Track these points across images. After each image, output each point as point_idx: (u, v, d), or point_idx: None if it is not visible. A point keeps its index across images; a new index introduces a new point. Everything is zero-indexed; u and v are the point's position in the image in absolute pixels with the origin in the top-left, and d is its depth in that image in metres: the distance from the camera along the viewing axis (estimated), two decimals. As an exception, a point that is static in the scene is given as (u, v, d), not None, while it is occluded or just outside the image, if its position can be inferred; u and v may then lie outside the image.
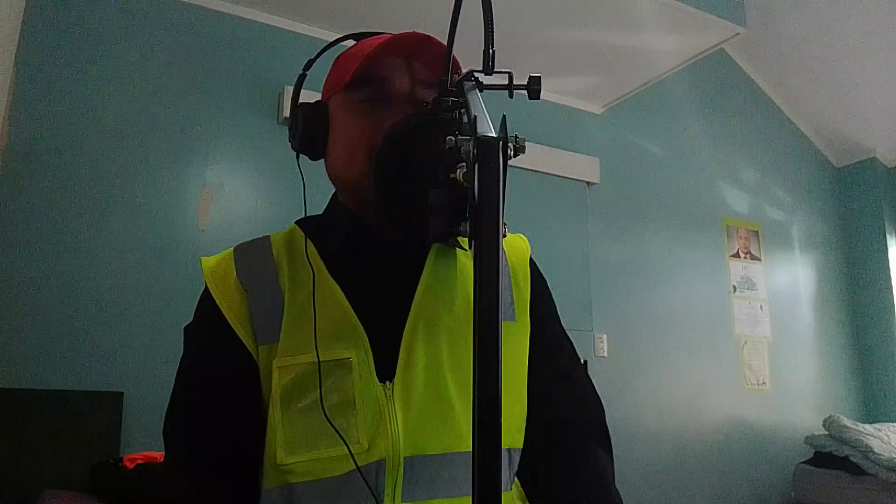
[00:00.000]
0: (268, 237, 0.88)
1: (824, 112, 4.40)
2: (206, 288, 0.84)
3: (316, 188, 0.94)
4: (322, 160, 0.88)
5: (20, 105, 2.32)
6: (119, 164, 2.45)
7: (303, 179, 0.89)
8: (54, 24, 2.44)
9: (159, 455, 2.08)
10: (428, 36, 0.80)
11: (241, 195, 2.67)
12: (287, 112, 2.71)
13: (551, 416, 0.86)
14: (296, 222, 0.90)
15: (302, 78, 0.90)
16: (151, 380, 2.33)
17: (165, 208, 2.51)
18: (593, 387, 0.92)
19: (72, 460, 2.11)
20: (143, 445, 2.18)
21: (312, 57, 0.90)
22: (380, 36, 0.85)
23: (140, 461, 2.02)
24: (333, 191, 0.90)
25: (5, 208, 2.25)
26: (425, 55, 0.80)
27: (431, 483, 0.75)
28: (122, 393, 2.28)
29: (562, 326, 0.94)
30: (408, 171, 0.76)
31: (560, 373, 0.89)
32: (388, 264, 0.83)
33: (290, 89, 2.73)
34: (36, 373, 2.19)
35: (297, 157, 0.88)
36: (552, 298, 0.95)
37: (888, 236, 4.40)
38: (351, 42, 0.90)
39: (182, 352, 0.85)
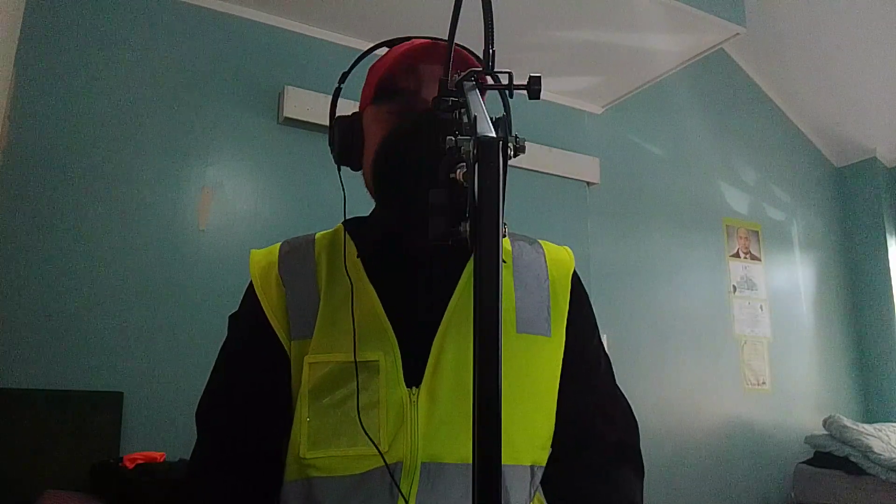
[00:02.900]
0: (314, 235, 0.91)
1: (824, 112, 4.40)
2: (251, 280, 0.87)
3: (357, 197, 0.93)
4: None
5: (20, 105, 2.32)
6: (119, 163, 2.45)
7: (343, 191, 0.89)
8: (54, 24, 2.44)
9: (159, 455, 2.09)
10: (434, 42, 0.80)
11: (241, 195, 2.66)
12: (287, 112, 2.71)
13: (580, 435, 0.86)
14: (343, 223, 0.91)
15: (338, 91, 0.91)
16: (151, 380, 2.33)
17: (165, 208, 2.51)
18: (628, 406, 0.91)
19: (72, 460, 2.10)
20: (143, 445, 2.18)
21: (346, 70, 0.90)
22: (405, 43, 0.86)
23: (140, 461, 2.02)
24: None
25: (5, 208, 2.25)
26: (439, 59, 0.80)
27: (446, 492, 0.75)
28: (122, 393, 2.28)
29: (600, 342, 0.94)
30: (408, 171, 0.76)
31: (593, 391, 0.89)
32: (423, 270, 0.84)
33: (290, 89, 2.73)
34: (36, 373, 2.19)
35: (339, 170, 0.88)
36: (592, 314, 0.94)
37: (888, 236, 4.40)
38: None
39: (224, 339, 0.89)
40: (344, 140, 0.85)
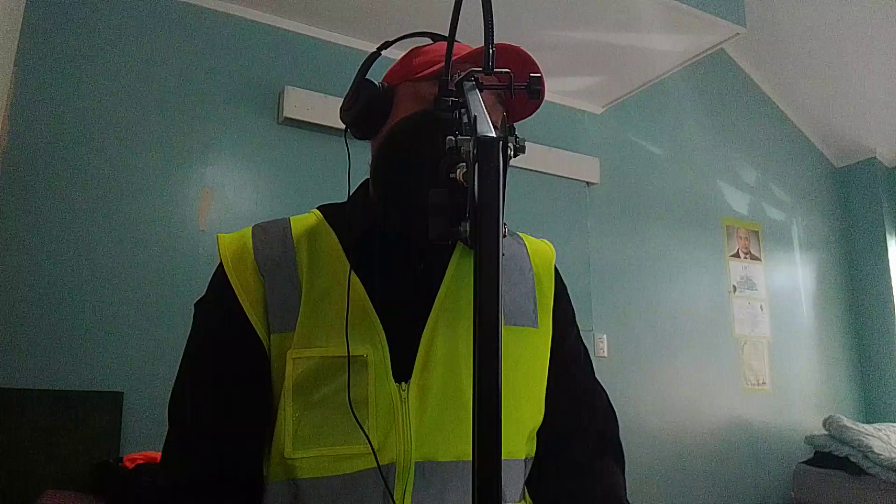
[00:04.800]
0: (288, 220, 0.85)
1: (824, 112, 4.40)
2: (221, 266, 0.81)
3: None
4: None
5: (20, 105, 2.32)
6: (119, 163, 2.45)
7: (349, 156, 0.85)
8: (54, 24, 2.44)
9: (159, 455, 2.08)
10: (515, 48, 0.76)
11: (241, 195, 2.66)
12: (287, 112, 2.70)
13: (564, 427, 0.85)
14: (318, 208, 0.88)
15: (374, 56, 0.86)
16: (151, 380, 2.33)
17: (165, 208, 2.51)
18: (608, 398, 0.91)
19: (72, 460, 2.11)
20: (143, 445, 2.18)
21: (389, 40, 0.87)
22: (461, 44, 0.84)
23: (140, 461, 2.02)
24: (361, 181, 0.88)
25: (5, 208, 2.25)
26: (516, 65, 0.74)
27: (441, 491, 0.73)
28: (122, 393, 2.28)
29: (579, 334, 0.92)
30: (409, 169, 0.75)
31: (575, 383, 0.88)
32: (410, 262, 0.81)
33: (290, 89, 2.73)
34: (36, 373, 2.19)
35: (346, 131, 0.85)
36: (571, 305, 0.93)
37: (888, 236, 4.40)
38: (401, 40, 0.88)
39: (191, 328, 0.83)
40: (370, 105, 0.81)
